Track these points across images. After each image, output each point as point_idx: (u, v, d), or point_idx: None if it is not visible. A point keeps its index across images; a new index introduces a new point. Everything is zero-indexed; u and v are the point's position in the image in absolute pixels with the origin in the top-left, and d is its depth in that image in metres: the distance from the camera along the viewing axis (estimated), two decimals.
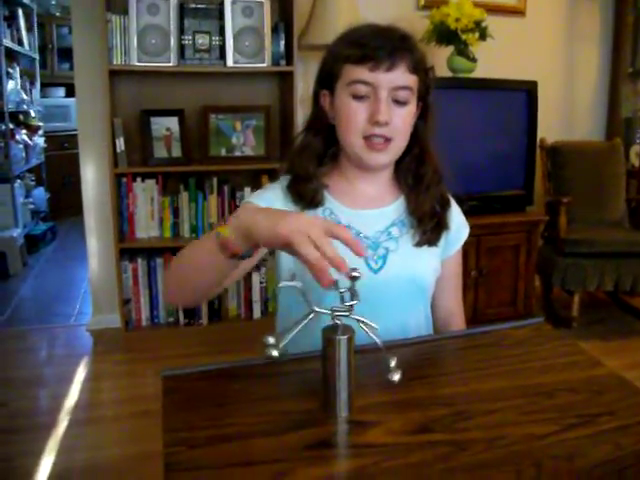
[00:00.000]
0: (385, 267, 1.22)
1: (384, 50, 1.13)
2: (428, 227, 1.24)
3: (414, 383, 1.01)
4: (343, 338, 0.88)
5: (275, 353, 0.88)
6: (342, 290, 0.88)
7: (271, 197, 1.24)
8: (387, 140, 1.17)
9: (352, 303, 0.89)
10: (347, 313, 0.89)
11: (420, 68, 1.19)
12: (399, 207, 1.28)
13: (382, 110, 1.14)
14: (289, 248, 0.85)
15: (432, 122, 1.26)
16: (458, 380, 1.04)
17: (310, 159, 1.25)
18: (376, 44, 1.14)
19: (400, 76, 1.15)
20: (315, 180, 1.23)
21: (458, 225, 1.34)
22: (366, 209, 1.26)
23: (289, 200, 1.23)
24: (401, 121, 1.18)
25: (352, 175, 1.26)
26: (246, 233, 0.91)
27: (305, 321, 0.89)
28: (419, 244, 1.25)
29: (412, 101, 1.19)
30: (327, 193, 1.25)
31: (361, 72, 1.15)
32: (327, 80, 1.22)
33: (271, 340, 0.89)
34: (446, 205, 1.29)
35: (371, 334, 0.91)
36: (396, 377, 0.91)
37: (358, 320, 0.90)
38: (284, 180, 1.27)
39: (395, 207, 1.28)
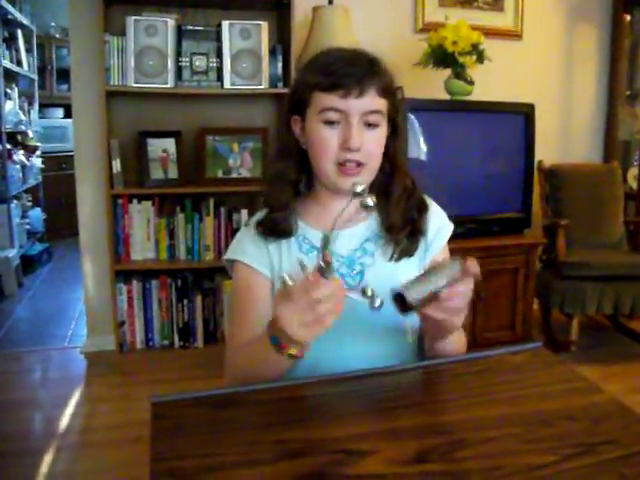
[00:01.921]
0: (362, 282, 1.22)
1: (353, 77, 1.15)
2: (401, 236, 1.24)
3: (410, 410, 0.99)
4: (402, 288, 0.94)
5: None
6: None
7: (250, 245, 1.27)
8: (359, 165, 1.18)
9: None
10: None
11: (389, 91, 1.21)
12: (372, 223, 1.28)
13: (354, 136, 1.15)
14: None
15: (402, 140, 1.29)
16: (455, 407, 1.01)
17: (284, 187, 1.26)
18: (345, 71, 1.15)
19: (370, 101, 1.17)
20: (288, 209, 1.25)
21: (436, 227, 1.31)
22: (338, 229, 1.25)
23: (259, 235, 1.26)
24: (373, 145, 1.19)
25: (326, 199, 1.27)
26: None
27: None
28: (396, 258, 1.24)
29: (383, 123, 1.21)
30: (300, 220, 1.27)
31: (332, 99, 1.16)
32: (298, 106, 1.23)
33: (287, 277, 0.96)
34: (423, 211, 1.29)
35: None
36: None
37: None
38: (259, 214, 1.30)
39: (369, 223, 1.28)
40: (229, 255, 1.29)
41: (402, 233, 1.24)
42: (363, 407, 0.97)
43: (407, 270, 1.24)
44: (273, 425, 0.94)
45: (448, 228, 1.33)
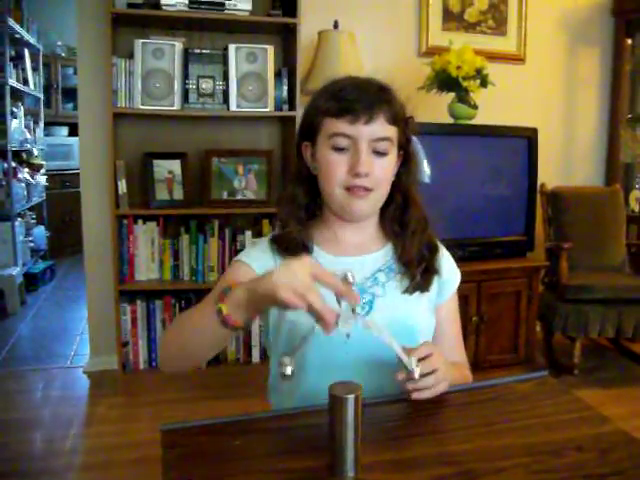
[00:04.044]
0: (372, 312, 1.21)
1: (362, 103, 1.16)
2: (417, 272, 1.24)
3: (418, 440, 1.00)
4: (351, 397, 0.87)
5: (289, 371, 0.91)
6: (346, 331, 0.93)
7: (258, 252, 1.26)
8: (367, 190, 1.19)
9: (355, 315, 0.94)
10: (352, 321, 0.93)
11: (399, 119, 1.21)
12: (387, 254, 1.28)
13: (362, 162, 1.16)
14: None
15: (414, 170, 1.28)
16: (463, 437, 1.02)
17: (297, 210, 1.26)
18: (354, 97, 1.16)
19: (379, 128, 1.17)
20: (302, 230, 1.25)
21: (449, 271, 1.33)
22: (350, 256, 1.26)
23: (276, 252, 1.25)
24: (381, 171, 1.19)
25: (336, 225, 1.27)
26: (246, 304, 0.95)
27: (310, 337, 0.94)
28: (409, 290, 1.24)
29: (392, 151, 1.21)
30: (314, 244, 1.26)
31: (341, 125, 1.17)
32: (308, 132, 1.24)
33: (286, 360, 0.92)
34: (434, 250, 1.29)
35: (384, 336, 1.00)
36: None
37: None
38: (272, 233, 1.30)
39: (383, 254, 1.28)
40: (236, 257, 1.27)
41: (418, 269, 1.24)
42: (370, 437, 0.97)
43: (419, 302, 1.26)
44: (284, 454, 0.95)
45: (457, 275, 1.35)
